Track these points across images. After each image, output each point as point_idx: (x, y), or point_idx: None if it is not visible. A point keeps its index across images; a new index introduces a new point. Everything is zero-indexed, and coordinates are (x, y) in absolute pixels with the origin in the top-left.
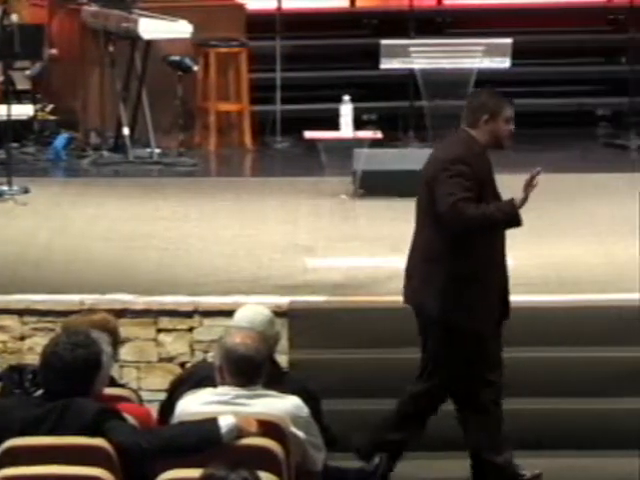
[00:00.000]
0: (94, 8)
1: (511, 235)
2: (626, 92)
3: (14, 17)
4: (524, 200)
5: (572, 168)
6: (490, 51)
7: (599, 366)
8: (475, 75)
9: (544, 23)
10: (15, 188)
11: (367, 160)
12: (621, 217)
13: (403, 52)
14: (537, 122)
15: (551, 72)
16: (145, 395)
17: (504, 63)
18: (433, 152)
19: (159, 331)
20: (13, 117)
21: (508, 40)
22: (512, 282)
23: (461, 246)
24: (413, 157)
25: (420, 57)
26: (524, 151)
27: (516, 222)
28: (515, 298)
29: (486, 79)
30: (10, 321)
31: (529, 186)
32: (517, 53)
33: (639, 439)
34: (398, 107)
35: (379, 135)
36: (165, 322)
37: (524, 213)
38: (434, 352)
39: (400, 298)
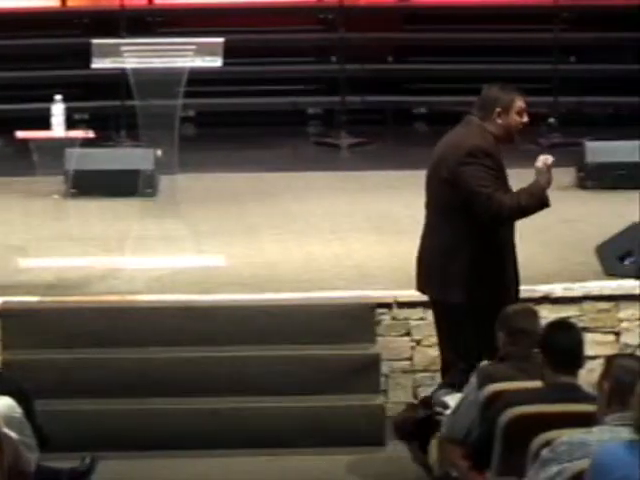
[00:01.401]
0: None
1: (224, 234)
2: (337, 91)
3: None
4: (549, 181)
5: (283, 167)
6: (201, 50)
7: (302, 364)
8: (187, 74)
9: (256, 22)
10: None
11: (79, 160)
12: (328, 215)
13: (114, 51)
14: (249, 121)
15: (263, 71)
16: None
17: (216, 62)
18: (447, 146)
19: None
20: None
21: (219, 39)
22: (225, 281)
23: (485, 234)
24: (125, 157)
25: (131, 56)
26: (236, 150)
27: (547, 204)
28: (223, 297)
29: (198, 78)
30: None
31: (549, 168)
32: (229, 52)
33: (342, 436)
34: (110, 106)
35: (91, 134)
36: None
37: (221, 212)
38: (464, 337)
39: (111, 297)
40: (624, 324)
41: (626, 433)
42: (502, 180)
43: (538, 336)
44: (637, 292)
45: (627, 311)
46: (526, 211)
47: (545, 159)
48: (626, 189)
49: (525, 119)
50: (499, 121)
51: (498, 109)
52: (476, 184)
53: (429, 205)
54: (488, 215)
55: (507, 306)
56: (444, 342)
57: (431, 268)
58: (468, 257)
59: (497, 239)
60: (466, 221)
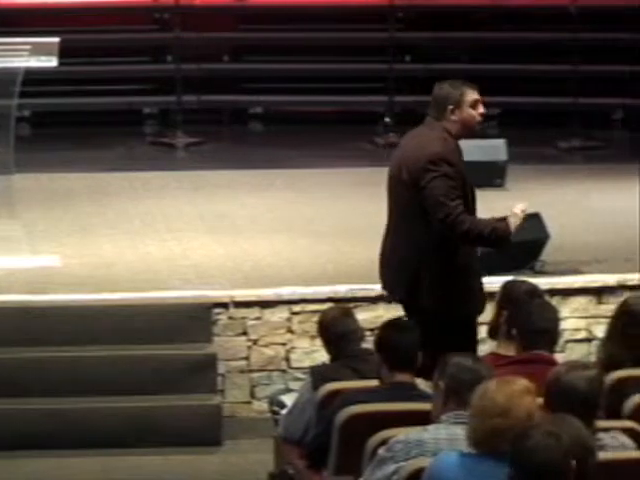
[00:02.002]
0: None
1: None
2: (173, 91)
3: None
4: (519, 228)
5: (119, 167)
6: (37, 50)
7: (139, 364)
8: (22, 74)
9: (91, 22)
10: None
11: None
12: (164, 215)
13: None
14: (84, 121)
15: (99, 71)
16: None
17: (51, 62)
18: (407, 148)
19: None
20: None
21: (55, 39)
22: (61, 281)
23: (451, 240)
24: None
25: None
26: (72, 150)
27: (506, 246)
28: (59, 297)
29: (34, 78)
30: None
31: (525, 216)
32: (64, 52)
33: (179, 436)
34: None
35: None
36: None
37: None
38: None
39: None
40: None
41: (461, 431)
42: (461, 184)
43: (361, 334)
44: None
45: None
46: (480, 242)
47: (524, 207)
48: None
49: (481, 110)
50: (454, 118)
51: (450, 107)
52: (437, 194)
53: (392, 207)
54: (445, 228)
55: (325, 313)
56: None
57: (398, 270)
58: (433, 260)
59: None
60: (427, 223)
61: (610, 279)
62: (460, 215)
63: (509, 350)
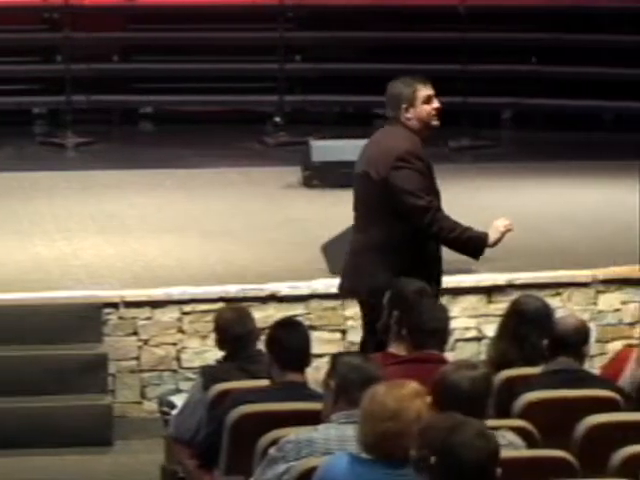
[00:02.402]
0: None
1: None
2: (62, 90)
3: None
4: (497, 242)
5: (8, 167)
6: None
7: (30, 364)
8: None
9: None
10: None
11: None
12: (54, 215)
13: None
14: None
15: None
16: None
17: None
18: (374, 149)
19: None
20: None
21: None
22: None
23: (413, 236)
24: None
25: None
26: None
27: (476, 257)
28: None
29: None
30: None
31: (507, 231)
32: None
33: (70, 436)
34: None
35: None
36: None
37: None
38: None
39: None
40: (350, 322)
41: (351, 431)
42: (430, 180)
43: (256, 335)
44: None
45: (353, 309)
46: (453, 244)
47: (507, 223)
48: (351, 187)
49: (435, 105)
50: (409, 115)
51: (404, 105)
52: (410, 189)
53: (358, 207)
54: (420, 223)
55: (221, 313)
56: (368, 341)
57: (360, 268)
58: (397, 259)
59: (426, 242)
60: (395, 223)
61: (500, 278)
62: (439, 212)
63: (400, 350)
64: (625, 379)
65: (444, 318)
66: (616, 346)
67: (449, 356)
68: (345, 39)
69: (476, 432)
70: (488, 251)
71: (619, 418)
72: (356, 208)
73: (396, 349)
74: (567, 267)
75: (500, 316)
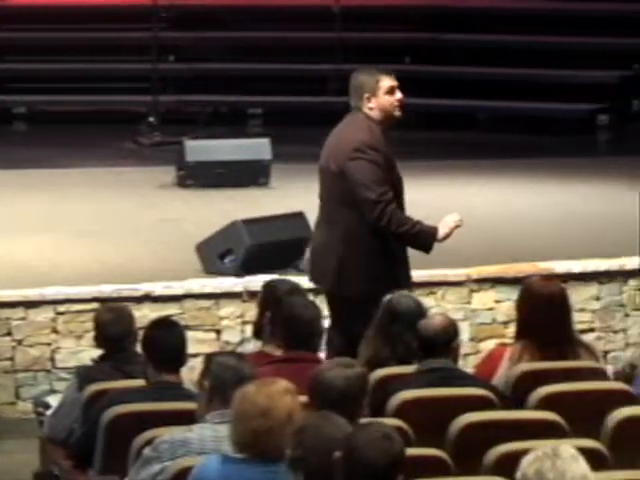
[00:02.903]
0: None
1: None
2: None
3: None
4: (446, 237)
5: None
6: None
7: None
8: None
9: None
10: None
11: None
12: None
13: None
14: None
15: None
16: None
17: None
18: (333, 141)
19: None
20: None
21: None
22: None
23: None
24: None
25: None
26: None
27: (426, 251)
28: None
29: None
30: None
31: (456, 227)
32: None
33: None
34: None
35: None
36: None
37: None
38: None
39: None
40: (225, 322)
41: (226, 431)
42: (390, 171)
43: (135, 335)
44: (237, 290)
45: (227, 309)
46: (403, 238)
47: (457, 219)
48: (226, 187)
49: (398, 95)
50: (371, 105)
51: (366, 95)
52: (362, 181)
53: (322, 198)
54: (369, 216)
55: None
56: (337, 334)
57: (326, 260)
58: (363, 250)
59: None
60: (360, 214)
61: None
62: (389, 205)
63: (275, 349)
64: (499, 378)
65: (317, 317)
66: (490, 345)
67: (323, 356)
68: (218, 39)
69: (382, 433)
70: None
71: (493, 417)
72: (321, 197)
73: (270, 349)
74: (441, 266)
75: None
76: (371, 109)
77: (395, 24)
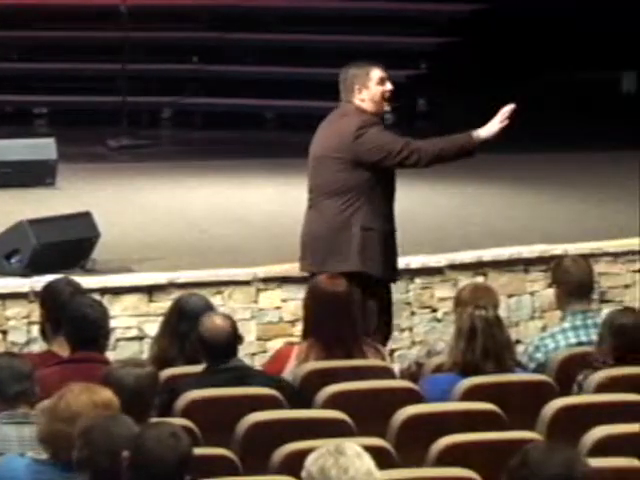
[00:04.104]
0: None
1: None
2: None
3: None
4: (493, 134)
5: None
6: None
7: None
8: None
9: None
10: None
11: None
12: None
13: None
14: None
15: None
16: None
17: None
18: (328, 132)
19: None
20: None
21: None
22: None
23: (371, 209)
24: None
25: None
26: None
27: (472, 155)
28: None
29: None
30: None
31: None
32: None
33: None
34: None
35: None
36: None
37: None
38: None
39: None
40: (11, 322)
41: (14, 431)
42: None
43: None
44: (24, 290)
45: (14, 309)
46: (447, 157)
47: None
48: (11, 187)
49: (388, 87)
50: (362, 96)
51: (357, 86)
52: (380, 144)
53: (312, 188)
54: (407, 165)
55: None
56: None
57: (319, 247)
58: (352, 236)
59: (384, 213)
60: (354, 198)
61: (161, 277)
62: (412, 143)
63: (63, 349)
64: (286, 377)
65: (103, 317)
66: (277, 344)
67: (110, 356)
68: (3, 38)
69: (170, 432)
70: (149, 250)
71: (280, 416)
72: (310, 188)
73: (59, 348)
74: (229, 265)
75: (162, 315)
76: (362, 100)
77: (182, 23)
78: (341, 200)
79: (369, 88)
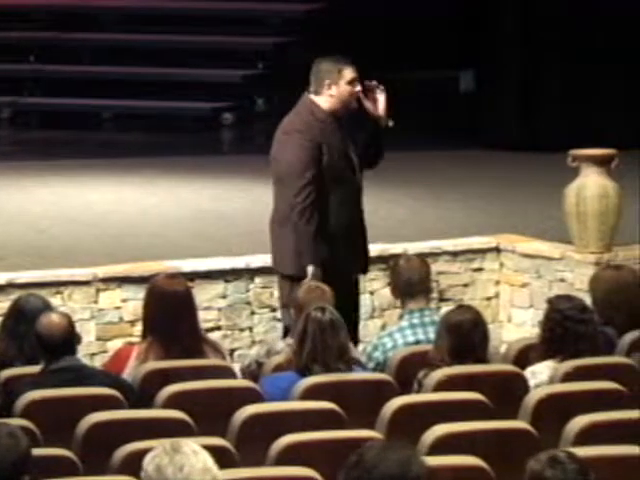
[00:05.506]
0: None
1: None
2: None
3: None
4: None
5: None
6: None
7: None
8: None
9: None
10: None
11: None
12: None
13: None
14: None
15: None
16: None
17: None
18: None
19: None
20: None
21: None
22: None
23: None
24: None
25: None
26: None
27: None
28: None
29: None
30: None
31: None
32: None
33: None
34: None
35: None
36: None
37: None
38: None
39: None
40: None
41: None
42: (332, 152)
43: None
44: None
45: None
46: (298, 249)
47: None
48: None
49: (357, 88)
50: (331, 93)
51: (327, 81)
52: (288, 164)
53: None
54: (292, 202)
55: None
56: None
57: (272, 241)
58: (294, 231)
59: (334, 210)
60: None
61: (0, 278)
62: (309, 206)
63: None
64: (126, 377)
65: None
66: (117, 344)
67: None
68: None
69: (7, 432)
70: None
71: (120, 416)
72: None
73: None
74: (69, 265)
75: (1, 315)
76: (331, 96)
77: (19, 22)
78: (283, 195)
79: (339, 86)
